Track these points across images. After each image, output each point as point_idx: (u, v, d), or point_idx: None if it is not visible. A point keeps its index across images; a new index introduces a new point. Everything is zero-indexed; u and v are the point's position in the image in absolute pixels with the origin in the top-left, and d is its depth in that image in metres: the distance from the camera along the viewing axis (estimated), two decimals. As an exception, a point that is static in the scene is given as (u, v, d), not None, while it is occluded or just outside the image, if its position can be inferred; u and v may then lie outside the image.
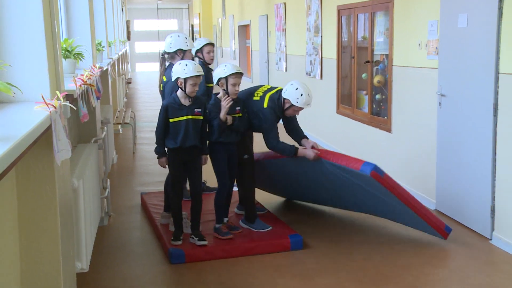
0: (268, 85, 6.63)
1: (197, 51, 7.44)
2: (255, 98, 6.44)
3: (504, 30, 6.06)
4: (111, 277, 5.67)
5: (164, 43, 7.20)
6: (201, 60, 7.50)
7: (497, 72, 6.15)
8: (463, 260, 5.92)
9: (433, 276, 5.43)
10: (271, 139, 6.29)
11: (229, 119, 6.15)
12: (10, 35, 3.73)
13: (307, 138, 6.70)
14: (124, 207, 7.94)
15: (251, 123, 6.43)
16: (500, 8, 6.06)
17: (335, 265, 5.74)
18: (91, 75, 5.54)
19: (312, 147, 6.47)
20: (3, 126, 3.09)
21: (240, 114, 6.30)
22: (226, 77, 6.20)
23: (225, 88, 6.25)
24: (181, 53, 6.99)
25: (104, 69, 8.92)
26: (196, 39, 8.29)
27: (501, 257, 5.98)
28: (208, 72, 7.32)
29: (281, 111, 6.38)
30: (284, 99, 6.29)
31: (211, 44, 7.64)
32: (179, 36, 7.15)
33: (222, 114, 6.08)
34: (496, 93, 6.16)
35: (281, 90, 6.40)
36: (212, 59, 7.58)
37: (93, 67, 6.60)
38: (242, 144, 6.49)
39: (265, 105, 6.32)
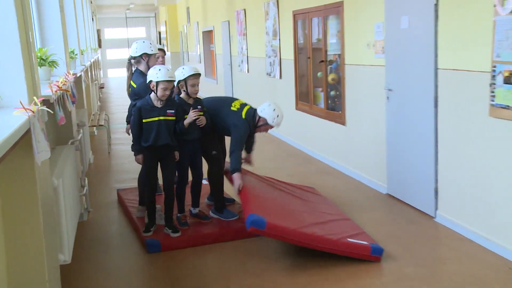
0: (242, 100, 6.57)
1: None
2: (232, 108, 6.47)
3: (440, 30, 6.17)
4: (93, 268, 5.64)
5: (131, 49, 7.09)
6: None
7: (436, 68, 6.26)
8: (412, 236, 5.99)
9: (386, 252, 5.47)
10: (236, 146, 6.31)
11: (203, 121, 6.21)
12: None
13: (251, 153, 7.02)
14: (102, 203, 7.88)
15: (215, 125, 6.46)
16: (436, 11, 6.16)
17: (297, 248, 5.76)
18: (65, 81, 5.48)
19: (247, 160, 6.92)
20: None
21: (202, 113, 6.31)
22: (185, 79, 6.19)
23: (185, 89, 6.25)
24: (146, 57, 6.88)
25: (78, 75, 8.83)
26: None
27: (443, 232, 6.10)
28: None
29: (254, 126, 6.45)
30: (260, 117, 6.37)
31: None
32: (144, 41, 7.06)
33: (186, 122, 6.07)
34: (436, 86, 6.27)
35: (253, 108, 6.48)
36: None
37: (67, 74, 6.53)
38: (210, 141, 6.51)
39: (243, 116, 6.37)
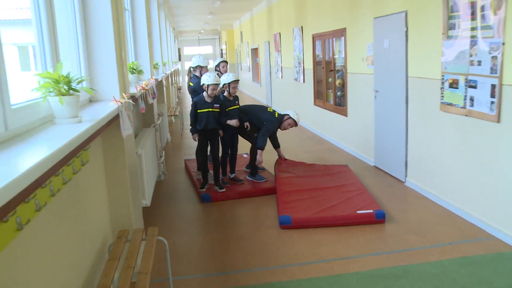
0: (271, 108, 7.02)
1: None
2: (269, 110, 6.89)
3: (409, 49, 6.18)
4: (165, 210, 5.88)
5: (191, 61, 7.43)
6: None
7: (407, 76, 6.28)
8: (388, 195, 6.05)
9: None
10: (266, 133, 6.65)
11: (236, 123, 6.41)
12: (97, 60, 3.77)
13: (279, 148, 7.39)
14: (175, 168, 8.08)
15: (252, 119, 6.74)
16: (406, 36, 6.19)
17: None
18: (148, 83, 5.60)
19: (280, 157, 7.36)
20: (93, 112, 3.15)
21: (238, 106, 6.61)
22: (229, 83, 6.43)
23: (228, 89, 6.46)
24: (199, 68, 7.28)
25: (159, 80, 8.96)
26: (222, 61, 8.01)
27: (410, 192, 6.18)
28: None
29: (279, 125, 6.86)
30: (286, 115, 6.91)
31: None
32: (199, 57, 7.37)
33: (228, 123, 6.34)
34: (407, 89, 6.31)
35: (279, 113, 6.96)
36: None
37: (150, 79, 6.65)
38: (253, 129, 6.73)
39: (276, 115, 6.81)
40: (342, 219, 5.13)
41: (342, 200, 5.68)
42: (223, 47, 31.93)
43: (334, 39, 9.53)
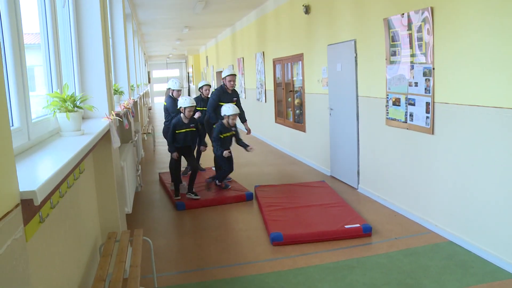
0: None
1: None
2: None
3: (358, 72, 6.54)
4: (144, 217, 6.03)
5: (168, 83, 7.75)
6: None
7: (357, 95, 6.61)
8: (344, 198, 6.23)
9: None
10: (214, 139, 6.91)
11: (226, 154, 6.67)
12: (89, 82, 3.96)
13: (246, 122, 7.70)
14: (150, 180, 8.22)
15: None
16: (356, 61, 6.57)
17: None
18: (128, 103, 5.76)
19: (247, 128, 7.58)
20: (89, 127, 3.34)
21: (233, 132, 6.99)
22: (228, 115, 6.72)
23: (228, 120, 6.76)
24: (172, 90, 7.61)
25: (135, 100, 9.02)
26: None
27: (362, 198, 6.49)
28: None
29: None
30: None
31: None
32: (173, 80, 7.71)
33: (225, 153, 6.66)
34: (357, 107, 6.63)
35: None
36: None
37: (129, 99, 6.77)
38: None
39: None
40: (331, 234, 4.94)
41: (327, 216, 5.51)
42: (190, 70, 32.10)
43: (292, 63, 9.83)
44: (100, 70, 3.99)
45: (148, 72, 30.31)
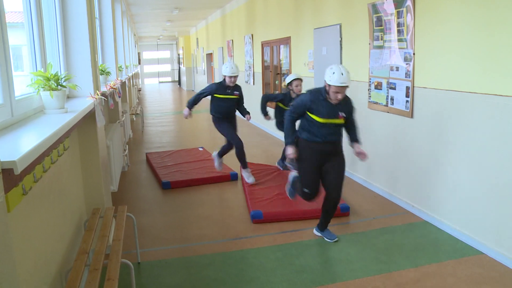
0: None
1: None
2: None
3: (343, 56, 6.62)
4: (130, 195, 6.13)
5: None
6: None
7: None
8: None
9: None
10: None
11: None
12: (74, 62, 4.02)
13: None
14: (137, 160, 8.29)
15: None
16: (341, 44, 6.66)
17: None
18: (115, 83, 5.86)
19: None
20: (74, 105, 3.39)
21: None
22: (291, 81, 6.38)
23: (292, 88, 6.40)
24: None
25: (123, 81, 9.05)
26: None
27: (346, 180, 6.54)
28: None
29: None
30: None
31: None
32: (224, 64, 6.25)
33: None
34: None
35: None
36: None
37: (116, 80, 6.89)
38: None
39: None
40: (309, 212, 5.05)
41: None
42: (180, 52, 31.95)
43: (280, 46, 9.91)
44: (86, 49, 4.04)
45: (139, 53, 30.12)
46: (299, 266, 3.97)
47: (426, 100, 4.85)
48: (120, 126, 7.18)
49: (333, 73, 4.03)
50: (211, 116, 6.47)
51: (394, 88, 5.39)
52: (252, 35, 11.95)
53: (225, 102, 6.28)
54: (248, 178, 6.32)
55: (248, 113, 6.46)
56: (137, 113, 12.32)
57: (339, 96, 4.09)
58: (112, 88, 5.30)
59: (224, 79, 6.24)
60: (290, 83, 6.48)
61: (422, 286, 3.56)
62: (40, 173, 2.58)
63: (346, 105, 4.29)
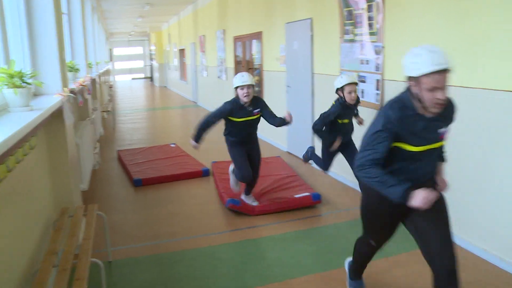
0: None
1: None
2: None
3: (314, 50, 6.69)
4: (101, 193, 6.06)
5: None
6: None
7: (312, 73, 6.78)
8: (299, 175, 6.31)
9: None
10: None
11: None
12: (41, 58, 3.93)
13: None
14: (108, 158, 8.19)
15: None
16: (312, 39, 6.70)
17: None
18: (84, 80, 5.81)
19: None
20: (40, 103, 3.33)
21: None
22: (342, 87, 4.69)
23: (342, 96, 4.73)
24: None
25: (93, 77, 9.01)
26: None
27: (317, 172, 6.64)
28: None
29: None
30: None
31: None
32: (236, 76, 4.88)
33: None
34: (312, 84, 6.81)
35: None
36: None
37: (86, 76, 6.81)
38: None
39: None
40: (281, 204, 5.08)
41: (279, 188, 5.68)
42: (152, 48, 31.61)
43: (252, 41, 9.92)
44: (52, 46, 3.96)
45: (110, 50, 29.68)
46: (270, 260, 4.00)
47: (396, 93, 4.90)
48: (90, 124, 7.10)
49: (420, 55, 2.36)
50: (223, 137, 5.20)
51: (365, 81, 5.45)
52: (224, 30, 11.91)
53: (243, 125, 4.92)
54: (253, 202, 5.29)
55: (284, 117, 4.99)
56: (108, 110, 12.14)
57: (441, 95, 2.33)
58: (81, 85, 5.22)
59: (237, 95, 4.80)
60: (341, 89, 4.73)
61: (392, 275, 3.63)
62: (4, 173, 2.53)
63: (447, 113, 2.56)
